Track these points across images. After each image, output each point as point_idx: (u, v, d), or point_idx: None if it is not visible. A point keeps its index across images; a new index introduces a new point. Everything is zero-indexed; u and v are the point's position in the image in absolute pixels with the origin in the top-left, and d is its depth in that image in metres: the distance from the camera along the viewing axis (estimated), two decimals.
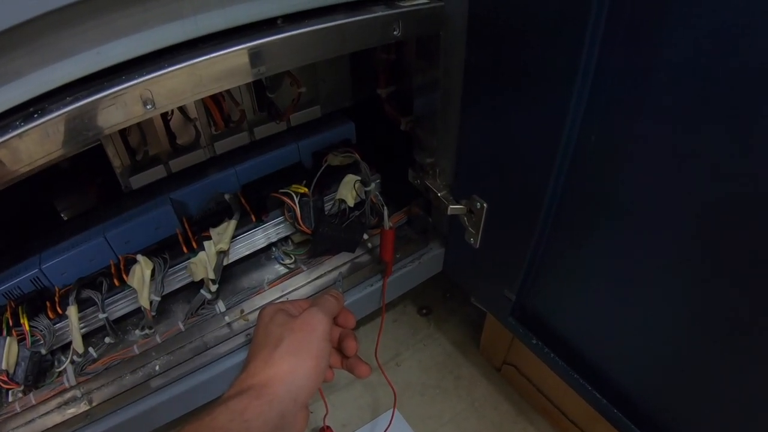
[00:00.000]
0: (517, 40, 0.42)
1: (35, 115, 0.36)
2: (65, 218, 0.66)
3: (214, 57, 0.39)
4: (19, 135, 0.35)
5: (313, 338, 0.40)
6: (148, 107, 0.38)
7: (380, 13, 0.45)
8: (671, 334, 0.43)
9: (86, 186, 0.68)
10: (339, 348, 0.47)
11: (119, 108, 0.37)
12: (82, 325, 0.56)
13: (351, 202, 0.60)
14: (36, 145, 0.36)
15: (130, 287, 0.55)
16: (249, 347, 0.42)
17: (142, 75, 0.37)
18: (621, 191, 0.41)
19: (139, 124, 0.57)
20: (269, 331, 0.41)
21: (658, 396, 0.47)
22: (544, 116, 0.43)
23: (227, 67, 0.40)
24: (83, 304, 0.56)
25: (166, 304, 0.61)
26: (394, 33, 0.47)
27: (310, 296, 0.64)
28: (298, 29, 0.42)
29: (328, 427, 0.70)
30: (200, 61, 0.38)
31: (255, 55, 0.40)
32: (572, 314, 0.53)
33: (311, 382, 0.38)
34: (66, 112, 0.36)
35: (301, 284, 0.64)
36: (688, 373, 0.43)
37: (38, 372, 0.55)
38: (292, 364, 0.38)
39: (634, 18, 0.34)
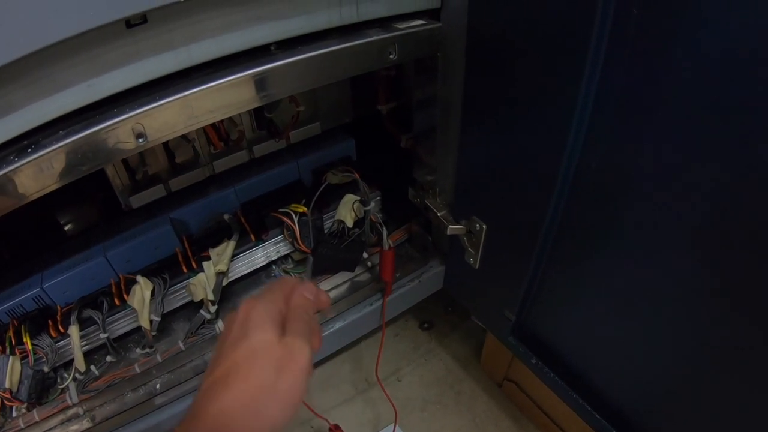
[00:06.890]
0: (516, 64, 0.42)
1: (29, 150, 0.36)
2: (68, 231, 0.66)
3: (206, 88, 0.38)
4: (14, 170, 0.35)
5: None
6: (140, 140, 0.38)
7: (375, 37, 0.45)
8: (669, 357, 0.42)
9: (89, 200, 0.69)
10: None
11: (112, 142, 0.37)
12: (83, 343, 0.56)
13: (350, 223, 0.60)
14: (30, 180, 0.36)
15: (131, 306, 0.56)
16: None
17: (134, 108, 0.37)
18: (620, 217, 0.40)
19: None
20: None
21: (655, 416, 0.47)
22: (543, 142, 0.42)
23: (220, 98, 0.39)
24: (84, 323, 0.56)
25: (166, 322, 0.62)
26: (390, 57, 0.46)
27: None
28: (291, 57, 0.41)
29: (336, 426, 0.69)
30: (192, 93, 0.38)
31: (250, 85, 0.40)
32: (571, 335, 0.53)
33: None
34: (59, 147, 0.36)
35: None
36: (685, 394, 0.43)
37: (41, 389, 0.55)
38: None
39: (635, 46, 0.33)
